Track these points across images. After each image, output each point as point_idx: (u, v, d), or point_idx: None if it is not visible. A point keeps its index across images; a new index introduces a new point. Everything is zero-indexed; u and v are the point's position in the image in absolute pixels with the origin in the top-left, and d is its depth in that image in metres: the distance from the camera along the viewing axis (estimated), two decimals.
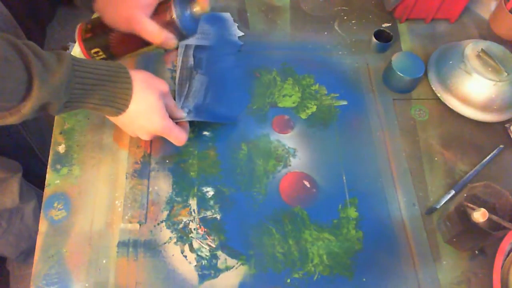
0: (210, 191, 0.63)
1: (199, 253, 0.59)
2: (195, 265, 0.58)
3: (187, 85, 0.70)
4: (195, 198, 0.62)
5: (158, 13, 0.57)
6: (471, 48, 0.71)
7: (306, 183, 0.65)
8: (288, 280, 0.58)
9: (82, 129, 0.66)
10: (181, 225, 0.60)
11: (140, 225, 0.60)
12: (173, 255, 0.58)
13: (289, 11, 0.83)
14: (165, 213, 0.61)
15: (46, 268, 0.56)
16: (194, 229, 0.60)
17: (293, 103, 0.72)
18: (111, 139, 0.66)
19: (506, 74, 0.68)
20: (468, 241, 0.59)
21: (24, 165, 0.88)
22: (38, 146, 0.98)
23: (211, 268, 0.58)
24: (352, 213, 0.63)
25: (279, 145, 0.68)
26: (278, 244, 0.60)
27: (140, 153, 0.65)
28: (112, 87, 0.54)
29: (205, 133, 0.68)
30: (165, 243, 0.59)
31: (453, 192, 0.64)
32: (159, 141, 0.65)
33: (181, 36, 0.59)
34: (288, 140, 0.68)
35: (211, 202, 0.62)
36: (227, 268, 0.58)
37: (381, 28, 0.77)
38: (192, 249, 0.59)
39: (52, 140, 0.65)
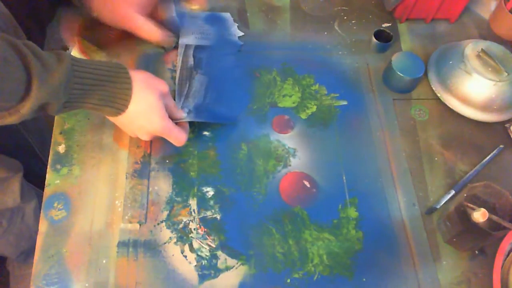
0: (210, 191, 0.63)
1: (199, 253, 0.59)
2: (195, 265, 0.58)
3: (187, 85, 0.70)
4: (195, 198, 0.62)
5: (155, 11, 0.57)
6: (471, 48, 0.71)
7: (306, 183, 0.65)
8: (288, 280, 0.58)
9: (82, 129, 0.66)
10: (181, 225, 0.60)
11: (140, 225, 0.60)
12: (173, 255, 0.58)
13: (289, 11, 0.83)
14: (165, 213, 0.61)
15: (46, 268, 0.56)
16: (194, 229, 0.60)
17: (293, 103, 0.72)
18: (111, 139, 0.66)
19: (506, 74, 0.68)
20: (468, 241, 0.59)
21: (24, 165, 0.88)
22: (38, 146, 0.98)
23: (211, 268, 0.58)
24: (352, 213, 0.63)
25: (279, 145, 0.68)
26: (278, 244, 0.60)
27: (140, 153, 0.65)
28: (112, 87, 0.54)
29: (205, 133, 0.68)
30: (165, 243, 0.59)
31: (453, 192, 0.64)
32: (159, 141, 0.65)
33: (179, 34, 0.59)
34: (288, 140, 0.68)
35: (211, 202, 0.62)
36: (227, 268, 0.58)
37: (381, 28, 0.77)
38: (192, 249, 0.59)
39: (52, 140, 0.65)
